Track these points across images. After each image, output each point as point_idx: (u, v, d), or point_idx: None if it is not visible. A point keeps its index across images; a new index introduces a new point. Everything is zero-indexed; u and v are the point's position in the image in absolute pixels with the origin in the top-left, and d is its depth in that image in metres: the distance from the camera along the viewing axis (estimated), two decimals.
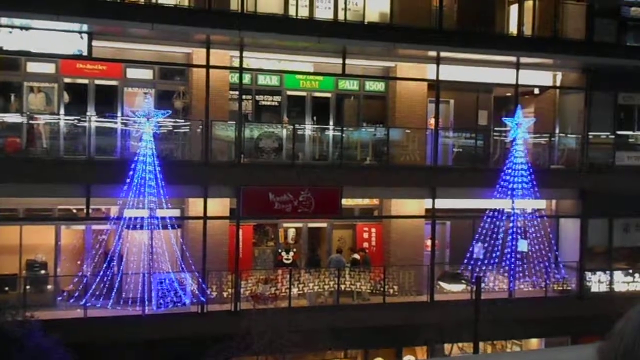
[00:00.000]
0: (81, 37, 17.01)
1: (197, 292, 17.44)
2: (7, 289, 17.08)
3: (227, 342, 15.51)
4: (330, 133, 19.73)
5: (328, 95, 20.26)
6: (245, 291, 18.06)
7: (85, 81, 18.25)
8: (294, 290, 18.40)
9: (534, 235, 19.84)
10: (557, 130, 21.69)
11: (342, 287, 18.78)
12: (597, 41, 20.57)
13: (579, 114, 21.34)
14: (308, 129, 19.68)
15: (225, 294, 17.96)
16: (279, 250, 19.70)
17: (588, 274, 21.03)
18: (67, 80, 18.15)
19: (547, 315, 19.65)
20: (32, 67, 17.86)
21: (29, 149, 16.98)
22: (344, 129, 19.57)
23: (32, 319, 14.78)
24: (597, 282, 21.13)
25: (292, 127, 18.91)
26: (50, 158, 17.03)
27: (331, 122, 20.02)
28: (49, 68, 17.93)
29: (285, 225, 20.09)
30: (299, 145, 19.05)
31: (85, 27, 16.81)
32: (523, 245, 19.80)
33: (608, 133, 21.76)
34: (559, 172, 21.11)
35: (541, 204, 20.78)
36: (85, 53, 17.07)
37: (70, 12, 16.20)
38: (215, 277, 17.95)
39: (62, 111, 17.83)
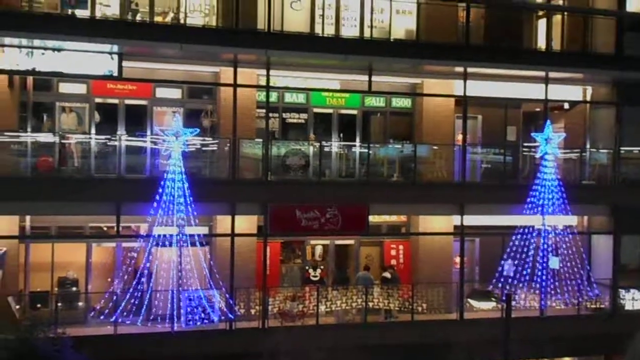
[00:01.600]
0: (112, 58, 17.31)
1: (225, 309, 17.51)
2: (39, 305, 17.33)
3: (255, 359, 15.52)
4: (357, 150, 19.74)
5: (354, 112, 20.31)
6: (272, 308, 18.08)
7: (116, 101, 18.59)
8: (322, 308, 18.35)
9: (565, 252, 19.52)
10: (587, 146, 21.40)
11: (370, 304, 18.67)
12: (628, 55, 20.30)
13: (610, 128, 21.04)
14: (334, 146, 19.72)
15: (253, 311, 18.00)
16: (307, 268, 19.71)
17: (621, 292, 20.63)
18: (98, 100, 18.51)
19: (580, 334, 19.32)
20: (64, 87, 18.26)
21: (60, 168, 17.29)
22: (371, 145, 19.57)
23: (64, 336, 14.97)
24: (631, 300, 20.70)
25: (318, 144, 18.97)
26: (82, 177, 17.31)
27: (358, 139, 20.05)
28: (80, 88, 18.30)
29: (312, 242, 20.10)
30: (326, 162, 19.08)
31: (115, 48, 17.09)
32: (554, 263, 19.49)
33: None
34: (591, 188, 20.78)
35: (572, 220, 20.47)
36: (115, 73, 17.34)
37: (101, 33, 16.55)
38: (243, 294, 17.99)
39: (93, 130, 18.17)
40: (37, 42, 16.69)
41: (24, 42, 16.66)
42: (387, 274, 19.39)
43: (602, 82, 21.20)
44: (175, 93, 19.00)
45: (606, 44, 20.52)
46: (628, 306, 20.71)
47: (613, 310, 20.40)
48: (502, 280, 19.26)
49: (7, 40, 16.55)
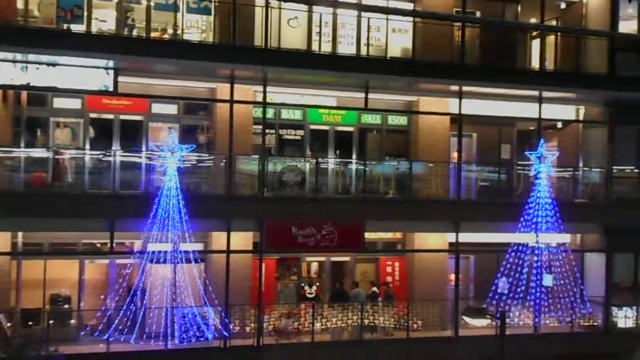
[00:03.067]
0: (107, 73, 17.23)
1: (219, 326, 17.36)
2: (31, 323, 17.08)
3: None
4: (353, 167, 19.77)
5: (351, 129, 20.36)
6: (268, 326, 17.95)
7: (111, 116, 18.47)
8: (317, 325, 18.25)
9: (559, 269, 19.63)
10: (580, 164, 21.63)
11: (366, 322, 18.60)
12: (620, 75, 20.59)
13: (603, 148, 21.26)
14: (331, 162, 19.74)
15: (248, 329, 17.86)
16: (302, 285, 19.63)
17: (614, 309, 20.78)
18: (92, 115, 18.37)
19: (573, 351, 19.41)
20: (59, 102, 18.11)
21: (54, 184, 17.09)
22: (367, 162, 19.61)
23: (56, 354, 14.76)
24: (624, 317, 20.85)
25: (315, 161, 18.98)
26: (76, 192, 17.14)
27: (354, 156, 20.09)
28: (75, 103, 18.16)
29: (308, 259, 20.04)
30: (322, 179, 19.08)
31: (111, 63, 17.03)
32: (548, 280, 19.58)
33: (632, 167, 21.63)
34: (584, 207, 20.95)
35: (566, 238, 20.59)
36: (111, 89, 17.28)
37: (97, 48, 16.47)
38: (238, 311, 17.86)
39: (87, 146, 18.03)
40: (31, 57, 16.62)
41: (19, 56, 16.57)
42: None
43: (594, 102, 21.47)
44: (171, 109, 18.92)
45: (599, 64, 20.80)
46: (620, 324, 20.84)
47: (606, 328, 20.50)
48: (496, 297, 19.30)
49: (2, 54, 16.45)
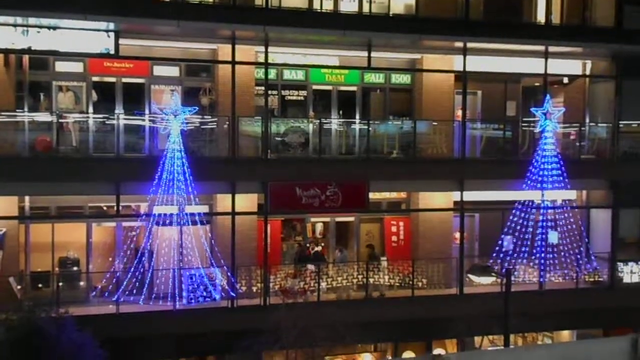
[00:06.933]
0: (108, 36, 17.14)
1: (226, 287, 17.58)
2: (40, 285, 17.36)
3: (257, 336, 15.62)
4: (357, 127, 19.68)
5: (354, 88, 20.21)
6: (274, 286, 18.16)
7: (113, 79, 18.42)
8: (323, 285, 18.43)
9: (564, 226, 19.62)
10: (587, 120, 21.42)
11: (371, 280, 18.75)
12: (627, 28, 20.23)
13: (610, 102, 21.03)
14: (334, 123, 19.65)
15: (254, 289, 18.07)
16: (307, 245, 19.75)
17: (620, 265, 20.81)
18: (95, 78, 18.33)
19: (579, 307, 19.50)
20: (61, 66, 18.07)
21: (59, 148, 17.17)
22: (370, 122, 19.48)
23: (66, 315, 15.01)
24: (629, 272, 20.91)
25: (318, 121, 18.90)
26: (80, 156, 17.24)
27: (357, 116, 19.99)
28: (77, 67, 18.11)
29: (313, 219, 20.12)
30: (326, 140, 19.02)
31: (112, 26, 16.91)
32: (553, 237, 19.60)
33: (639, 122, 21.40)
34: (590, 162, 20.83)
35: (571, 194, 20.54)
36: (112, 51, 17.19)
37: (97, 11, 16.34)
38: (244, 272, 18.06)
39: (90, 109, 18.03)
40: (32, 21, 16.49)
41: (19, 20, 16.46)
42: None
43: (601, 56, 21.12)
44: (173, 71, 18.84)
45: (606, 17, 20.44)
46: (626, 279, 20.90)
47: (611, 283, 20.57)
48: (501, 255, 19.36)
49: (2, 18, 16.36)
